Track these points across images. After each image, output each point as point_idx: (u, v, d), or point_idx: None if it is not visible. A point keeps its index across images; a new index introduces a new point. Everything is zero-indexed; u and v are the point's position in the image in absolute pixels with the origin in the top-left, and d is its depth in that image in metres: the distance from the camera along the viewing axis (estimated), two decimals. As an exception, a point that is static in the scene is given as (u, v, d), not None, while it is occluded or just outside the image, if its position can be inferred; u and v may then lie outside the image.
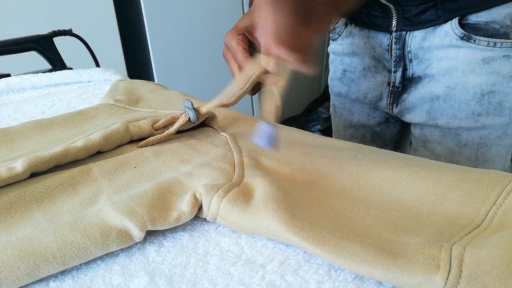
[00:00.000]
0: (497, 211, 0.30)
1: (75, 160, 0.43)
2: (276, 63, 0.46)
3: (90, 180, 0.40)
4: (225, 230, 0.34)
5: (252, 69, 0.51)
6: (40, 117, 0.68)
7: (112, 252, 0.33)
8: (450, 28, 0.62)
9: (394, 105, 0.73)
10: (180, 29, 1.72)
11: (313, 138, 0.48)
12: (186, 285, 0.29)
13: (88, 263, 0.32)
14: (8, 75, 0.97)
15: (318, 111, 2.42)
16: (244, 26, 0.58)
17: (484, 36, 0.61)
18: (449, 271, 0.24)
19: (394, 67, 0.69)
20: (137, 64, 1.81)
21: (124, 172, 0.41)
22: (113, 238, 0.32)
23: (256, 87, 0.58)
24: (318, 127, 2.31)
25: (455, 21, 0.62)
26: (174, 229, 0.35)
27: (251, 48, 0.58)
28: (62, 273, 0.31)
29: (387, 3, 0.65)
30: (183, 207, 0.34)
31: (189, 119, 0.49)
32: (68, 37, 1.03)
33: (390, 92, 0.72)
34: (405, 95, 0.70)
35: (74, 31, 1.04)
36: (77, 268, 0.31)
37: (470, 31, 0.61)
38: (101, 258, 0.32)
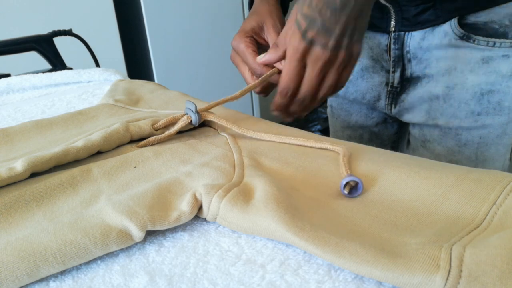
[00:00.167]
0: (497, 211, 0.30)
1: (75, 160, 0.43)
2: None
3: (90, 180, 0.40)
4: (225, 230, 0.34)
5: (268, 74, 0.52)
6: (40, 117, 0.68)
7: (112, 252, 0.33)
8: (450, 28, 0.62)
9: (393, 106, 0.73)
10: (180, 29, 1.72)
11: (313, 138, 0.48)
12: (186, 285, 0.29)
13: (88, 263, 0.32)
14: (8, 75, 0.97)
15: (318, 111, 2.42)
16: (250, 28, 0.58)
17: (483, 36, 0.61)
18: (449, 271, 0.24)
19: (392, 67, 0.69)
20: (137, 64, 1.81)
21: (124, 172, 0.41)
22: (113, 238, 0.32)
23: (269, 88, 0.58)
24: (318, 127, 2.31)
25: (454, 21, 0.62)
26: (174, 229, 0.35)
27: (259, 50, 0.57)
28: (62, 273, 0.31)
29: (386, 4, 0.65)
30: (183, 207, 0.34)
31: (191, 121, 0.49)
32: (68, 37, 1.03)
33: (388, 92, 0.72)
34: (404, 95, 0.70)
35: (74, 31, 1.04)
36: (77, 268, 0.31)
37: (470, 31, 0.61)
38: (101, 258, 0.32)
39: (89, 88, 0.82)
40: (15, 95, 0.82)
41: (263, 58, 0.52)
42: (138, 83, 0.74)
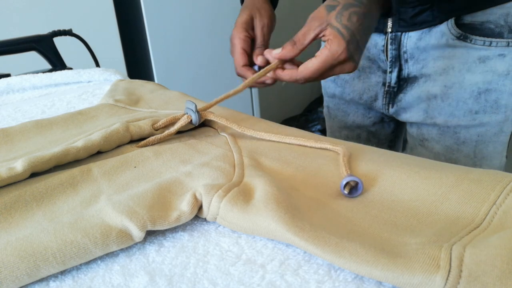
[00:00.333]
0: (497, 211, 0.30)
1: (75, 160, 0.43)
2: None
3: (90, 180, 0.40)
4: (225, 230, 0.34)
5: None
6: (40, 117, 0.68)
7: (112, 252, 0.33)
8: (447, 28, 0.62)
9: (390, 105, 0.73)
10: (180, 29, 1.72)
11: (313, 138, 0.48)
12: (186, 285, 0.29)
13: (88, 263, 0.32)
14: (8, 75, 0.97)
15: (318, 111, 2.42)
16: (243, 21, 0.59)
17: (480, 35, 0.61)
18: (449, 271, 0.24)
19: (389, 67, 0.69)
20: (137, 64, 1.81)
21: (124, 172, 0.41)
22: (113, 238, 0.32)
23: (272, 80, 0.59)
24: (318, 127, 2.31)
25: (451, 21, 0.62)
26: (174, 229, 0.35)
27: (253, 42, 0.59)
28: (62, 273, 0.31)
29: None
30: (183, 207, 0.34)
31: (191, 121, 0.49)
32: (68, 37, 1.03)
33: (385, 92, 0.72)
34: (401, 95, 0.70)
35: (74, 31, 1.04)
36: (77, 268, 0.31)
37: (466, 31, 0.62)
38: (101, 258, 0.32)
39: (89, 88, 0.82)
40: (15, 95, 0.82)
41: (279, 53, 0.54)
42: (138, 83, 0.74)
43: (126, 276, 0.30)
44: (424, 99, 0.68)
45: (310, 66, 0.51)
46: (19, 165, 0.39)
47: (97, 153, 0.46)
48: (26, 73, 0.91)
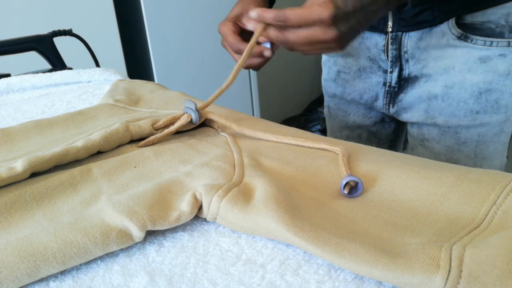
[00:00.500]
0: (497, 211, 0.30)
1: (75, 160, 0.43)
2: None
3: (90, 180, 0.40)
4: (225, 230, 0.34)
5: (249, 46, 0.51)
6: (40, 117, 0.68)
7: (112, 252, 0.33)
8: (447, 28, 0.63)
9: (391, 105, 0.73)
10: (180, 29, 1.72)
11: (313, 138, 0.48)
12: (186, 285, 0.29)
13: (88, 263, 0.32)
14: (8, 75, 0.97)
15: (318, 111, 2.42)
16: (235, 15, 0.60)
17: (480, 35, 0.61)
18: (449, 271, 0.24)
19: (390, 67, 0.69)
20: (137, 64, 1.81)
21: (124, 172, 0.41)
22: (113, 238, 0.32)
23: (261, 64, 0.58)
24: (318, 127, 2.31)
25: (452, 21, 0.62)
26: (174, 229, 0.35)
27: (244, 34, 0.59)
28: (62, 273, 0.31)
29: None
30: (183, 207, 0.34)
31: (191, 120, 0.49)
32: (68, 37, 1.03)
33: (386, 92, 0.72)
34: (401, 95, 0.71)
35: (74, 31, 1.04)
36: (77, 268, 0.31)
37: (467, 31, 0.62)
38: (101, 258, 0.32)
39: (89, 88, 0.82)
40: (15, 95, 0.82)
41: (260, 13, 0.49)
42: (138, 83, 0.74)
43: (126, 276, 0.30)
44: (424, 99, 0.68)
45: (294, 10, 0.47)
46: (19, 165, 0.39)
47: (97, 153, 0.46)
48: (26, 73, 0.91)
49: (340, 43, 0.48)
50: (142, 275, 0.30)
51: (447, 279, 0.24)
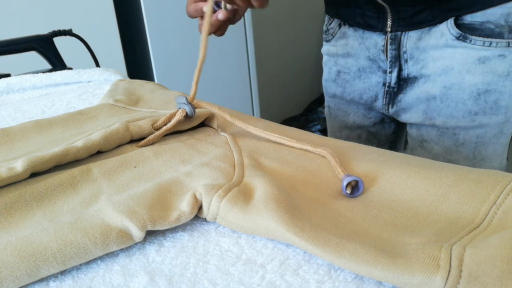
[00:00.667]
0: (497, 211, 0.30)
1: (75, 160, 0.43)
2: None
3: (90, 180, 0.40)
4: (225, 230, 0.34)
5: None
6: (40, 117, 0.68)
7: (112, 252, 0.33)
8: (446, 28, 0.62)
9: (390, 106, 0.73)
10: (180, 29, 1.72)
11: (313, 138, 0.48)
12: (186, 285, 0.29)
13: (88, 263, 0.32)
14: (8, 75, 0.97)
15: (318, 111, 2.42)
16: None
17: (479, 36, 0.61)
18: (449, 271, 0.24)
19: (389, 67, 0.69)
20: (137, 64, 1.81)
21: (124, 172, 0.41)
22: (113, 238, 0.32)
23: (222, 27, 0.58)
24: (318, 127, 2.31)
25: (450, 21, 0.62)
26: (174, 229, 0.35)
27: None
28: (62, 273, 0.31)
29: (383, 3, 0.65)
30: (183, 207, 0.34)
31: (187, 113, 0.49)
32: (68, 37, 1.03)
33: (385, 92, 0.72)
34: (401, 96, 0.70)
35: (74, 31, 1.04)
36: (77, 268, 0.31)
37: (466, 31, 0.62)
38: (101, 258, 0.32)
39: (89, 88, 0.82)
40: (15, 95, 0.82)
41: None
42: (138, 83, 0.74)
43: (126, 276, 0.30)
44: (423, 100, 0.68)
45: None
46: (19, 165, 0.39)
47: (97, 153, 0.46)
48: (26, 73, 0.91)
49: None
50: (142, 275, 0.30)
51: (447, 279, 0.24)
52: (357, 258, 0.26)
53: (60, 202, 0.37)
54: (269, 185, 0.35)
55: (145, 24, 1.64)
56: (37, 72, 0.92)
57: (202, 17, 0.57)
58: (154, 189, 0.37)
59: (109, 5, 1.57)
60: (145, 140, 0.48)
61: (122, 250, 0.33)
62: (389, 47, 0.68)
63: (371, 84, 0.74)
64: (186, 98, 0.49)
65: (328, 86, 0.82)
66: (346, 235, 0.29)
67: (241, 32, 1.80)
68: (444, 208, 0.32)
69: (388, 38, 0.67)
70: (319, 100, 2.55)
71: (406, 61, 0.67)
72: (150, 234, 0.34)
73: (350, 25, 0.73)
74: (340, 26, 0.75)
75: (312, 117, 2.40)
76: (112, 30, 1.60)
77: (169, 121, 0.49)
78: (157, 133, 0.48)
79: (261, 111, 2.06)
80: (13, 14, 1.40)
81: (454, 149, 0.68)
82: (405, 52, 0.67)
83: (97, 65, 1.09)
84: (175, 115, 0.49)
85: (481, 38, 0.61)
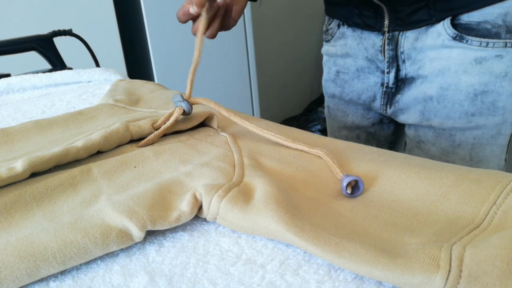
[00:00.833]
0: (497, 211, 0.30)
1: (75, 160, 0.43)
2: None
3: (90, 180, 0.40)
4: (225, 230, 0.34)
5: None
6: (40, 117, 0.68)
7: (112, 252, 0.33)
8: (443, 29, 0.62)
9: (388, 106, 0.73)
10: (180, 29, 1.72)
11: (313, 138, 0.48)
12: (186, 285, 0.29)
13: (88, 263, 0.32)
14: (8, 75, 0.97)
15: (318, 111, 2.42)
16: None
17: (476, 36, 0.61)
18: (449, 271, 0.24)
19: (387, 68, 0.69)
20: (137, 64, 1.81)
21: (124, 172, 0.41)
22: (113, 238, 0.32)
23: (212, 29, 0.57)
24: (318, 127, 2.31)
25: (447, 21, 0.62)
26: (174, 229, 0.35)
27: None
28: (62, 273, 0.31)
29: (379, 3, 0.65)
30: (183, 207, 0.34)
31: (184, 111, 0.49)
32: (68, 37, 1.03)
33: (383, 93, 0.72)
34: (398, 96, 0.70)
35: (74, 31, 1.04)
36: (77, 268, 0.31)
37: (462, 31, 0.61)
38: (101, 258, 0.32)
39: (89, 88, 0.82)
40: (15, 95, 0.82)
41: None
42: (138, 83, 0.74)
43: (126, 276, 0.30)
44: (420, 101, 0.68)
45: None
46: (19, 165, 0.39)
47: (97, 153, 0.46)
48: (26, 73, 0.91)
49: None
50: (142, 275, 0.30)
51: (447, 279, 0.24)
52: (357, 258, 0.26)
53: (60, 202, 0.37)
54: (269, 185, 0.35)
55: (145, 24, 1.64)
56: (37, 72, 0.92)
57: (193, 20, 0.57)
58: (154, 189, 0.37)
59: (109, 5, 1.57)
60: (145, 140, 0.48)
61: (122, 250, 0.33)
62: (386, 47, 0.68)
63: (369, 84, 0.74)
64: (181, 95, 0.49)
65: (328, 86, 0.82)
66: (346, 235, 0.29)
67: (241, 32, 1.80)
68: (444, 208, 0.32)
69: (386, 38, 0.67)
70: (319, 100, 2.55)
71: (403, 61, 0.67)
72: (150, 234, 0.34)
73: (349, 25, 0.73)
74: (339, 26, 0.75)
75: (312, 117, 2.40)
76: (112, 30, 1.60)
77: (168, 120, 0.50)
78: (156, 132, 0.48)
79: (261, 111, 2.06)
80: (13, 14, 1.40)
81: (451, 150, 0.68)
82: (402, 53, 0.67)
83: (97, 65, 1.09)
84: (173, 114, 0.49)
85: (477, 39, 0.61)
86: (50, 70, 0.96)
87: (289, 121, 2.45)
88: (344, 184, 0.35)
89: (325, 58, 0.82)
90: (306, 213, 0.32)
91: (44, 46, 1.00)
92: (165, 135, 0.50)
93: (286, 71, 2.50)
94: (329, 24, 0.78)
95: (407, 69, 0.68)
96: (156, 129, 0.49)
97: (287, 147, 0.45)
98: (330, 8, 0.77)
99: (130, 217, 0.32)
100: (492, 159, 0.67)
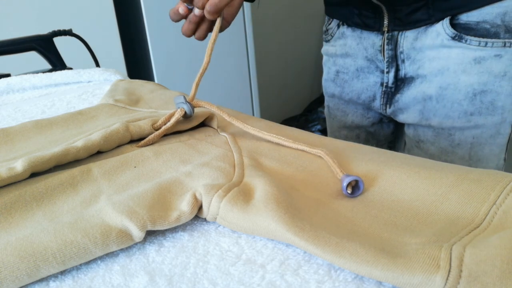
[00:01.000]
0: (497, 211, 0.30)
1: (75, 160, 0.43)
2: None
3: (90, 180, 0.40)
4: (225, 230, 0.34)
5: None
6: (40, 117, 0.68)
7: (112, 252, 0.33)
8: (442, 28, 0.62)
9: (388, 106, 0.73)
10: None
11: (313, 138, 0.48)
12: (186, 285, 0.29)
13: (88, 263, 0.32)
14: (8, 75, 0.97)
15: (318, 111, 2.42)
16: None
17: (475, 36, 0.61)
18: (449, 271, 0.24)
19: (386, 67, 0.69)
20: (137, 64, 1.81)
21: (124, 172, 0.41)
22: (113, 238, 0.32)
23: (201, 31, 0.58)
24: (318, 127, 2.31)
25: (446, 21, 0.62)
26: (174, 229, 0.35)
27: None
28: (62, 273, 0.31)
29: (379, 3, 0.65)
30: (183, 207, 0.34)
31: (185, 113, 0.49)
32: (68, 37, 1.03)
33: (383, 92, 0.72)
34: (398, 96, 0.71)
35: (74, 31, 1.04)
36: (77, 268, 0.31)
37: (461, 31, 0.62)
38: (101, 258, 0.32)
39: (89, 88, 0.82)
40: (15, 95, 0.82)
41: None
42: (138, 83, 0.74)
43: (126, 276, 0.30)
44: (419, 100, 0.68)
45: None
46: (19, 165, 0.39)
47: (97, 153, 0.46)
48: (26, 73, 0.91)
49: None
50: (142, 275, 0.30)
51: (447, 279, 0.24)
52: (357, 258, 0.26)
53: (60, 202, 0.37)
54: (269, 185, 0.35)
55: (145, 24, 1.64)
56: (37, 72, 0.92)
57: (185, 18, 0.57)
58: (154, 189, 0.37)
59: (109, 5, 1.57)
60: (145, 140, 0.48)
61: (122, 250, 0.33)
62: (386, 47, 0.68)
63: (369, 84, 0.74)
64: (185, 97, 0.50)
65: (327, 86, 0.82)
66: (346, 235, 0.29)
67: (241, 32, 1.80)
68: (444, 208, 0.32)
69: (385, 38, 0.68)
70: (319, 100, 2.55)
71: (403, 61, 0.68)
72: (150, 234, 0.34)
73: (348, 25, 0.73)
74: (338, 26, 0.75)
75: (312, 117, 2.40)
76: (112, 30, 1.60)
77: (169, 121, 0.50)
78: (157, 132, 0.48)
79: (261, 111, 2.06)
80: (13, 14, 1.40)
81: (450, 149, 0.68)
82: (401, 52, 0.67)
83: (97, 65, 1.09)
84: (174, 114, 0.49)
85: (476, 38, 0.61)
86: (50, 70, 0.96)
87: (289, 121, 2.45)
88: (344, 184, 0.35)
89: (325, 58, 0.82)
90: (306, 213, 0.32)
91: (44, 46, 1.00)
92: (165, 135, 0.50)
93: (286, 71, 2.50)
94: (329, 24, 0.78)
95: (406, 69, 0.68)
96: (156, 130, 0.49)
97: (288, 147, 0.45)
98: (330, 8, 0.77)
99: (130, 217, 0.32)
100: (491, 159, 0.67)
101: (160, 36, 1.68)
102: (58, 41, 1.02)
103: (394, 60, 0.68)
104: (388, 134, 0.81)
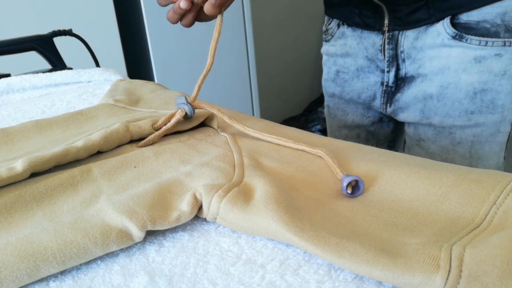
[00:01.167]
0: (497, 211, 0.30)
1: (75, 160, 0.43)
2: None
3: (90, 180, 0.40)
4: (225, 230, 0.34)
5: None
6: (40, 117, 0.68)
7: (112, 252, 0.33)
8: (442, 28, 0.63)
9: (388, 105, 0.73)
10: (180, 29, 1.72)
11: (313, 138, 0.48)
12: (186, 285, 0.29)
13: (88, 263, 0.32)
14: (8, 75, 0.97)
15: (318, 111, 2.42)
16: None
17: (475, 35, 0.61)
18: (449, 271, 0.24)
19: (387, 67, 0.70)
20: (137, 64, 1.81)
21: (124, 172, 0.41)
22: (113, 238, 0.32)
23: (188, 18, 0.56)
24: (318, 127, 2.31)
25: (446, 20, 0.62)
26: (174, 229, 0.35)
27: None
28: (62, 273, 0.31)
29: (379, 3, 0.66)
30: (183, 207, 0.34)
31: (186, 114, 0.49)
32: (68, 37, 1.03)
33: (383, 92, 0.72)
34: (398, 95, 0.71)
35: (74, 31, 1.04)
36: (77, 268, 0.31)
37: (462, 31, 0.62)
38: (101, 258, 0.32)
39: (89, 88, 0.82)
40: (15, 95, 0.82)
41: None
42: (138, 83, 0.74)
43: (126, 276, 0.30)
44: (420, 99, 0.68)
45: None
46: (19, 165, 0.39)
47: (97, 153, 0.46)
48: (26, 73, 0.91)
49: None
50: (142, 275, 0.30)
51: (447, 279, 0.24)
52: (357, 258, 0.26)
53: (60, 202, 0.37)
54: (269, 185, 0.35)
55: (145, 24, 1.64)
56: (37, 72, 0.92)
57: (173, 3, 0.55)
58: (154, 189, 0.37)
59: (109, 5, 1.57)
60: (145, 140, 0.48)
61: (122, 250, 0.33)
62: (386, 46, 0.68)
63: (369, 83, 0.74)
64: (186, 98, 0.50)
65: (327, 85, 0.82)
66: (346, 235, 0.29)
67: (241, 32, 1.80)
68: (444, 208, 0.32)
69: (386, 38, 0.68)
70: (319, 100, 2.55)
71: (403, 60, 0.68)
72: (150, 234, 0.34)
73: (349, 25, 0.73)
74: (338, 26, 0.76)
75: (312, 117, 2.40)
76: (112, 30, 1.60)
77: (169, 121, 0.50)
78: (157, 133, 0.48)
79: (261, 111, 2.06)
80: (13, 14, 1.40)
81: (451, 148, 0.68)
82: (402, 52, 0.67)
83: (97, 65, 1.09)
84: (174, 115, 0.49)
85: (477, 38, 0.61)
86: (50, 70, 0.96)
87: (289, 121, 2.45)
88: (345, 184, 0.35)
89: (325, 57, 0.82)
90: (306, 213, 0.32)
91: (44, 46, 1.00)
92: (165, 135, 0.50)
93: (286, 71, 2.50)
94: (329, 24, 0.78)
95: (407, 68, 0.68)
96: (156, 130, 0.49)
97: (288, 147, 0.45)
98: (330, 8, 0.77)
99: (130, 217, 0.32)
100: (491, 157, 0.68)
101: (160, 36, 1.68)
102: (58, 41, 1.02)
103: (395, 59, 0.68)
104: (388, 133, 0.82)
